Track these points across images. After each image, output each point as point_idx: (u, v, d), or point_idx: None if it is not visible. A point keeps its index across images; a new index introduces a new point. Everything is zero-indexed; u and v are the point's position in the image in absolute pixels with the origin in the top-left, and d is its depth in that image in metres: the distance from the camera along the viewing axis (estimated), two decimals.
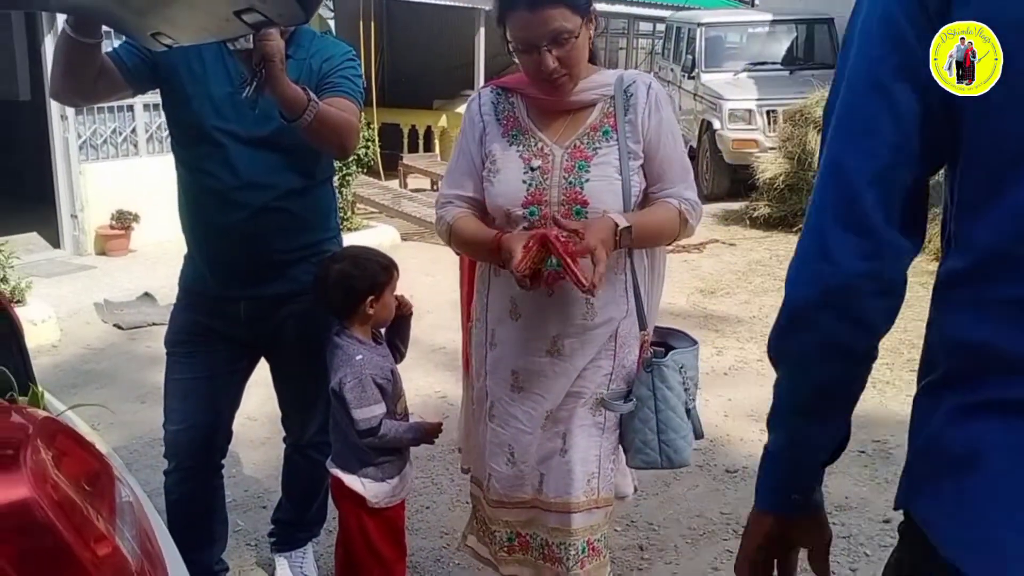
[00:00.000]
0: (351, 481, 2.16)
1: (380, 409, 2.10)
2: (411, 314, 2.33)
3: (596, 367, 1.92)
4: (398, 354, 2.31)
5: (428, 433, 2.20)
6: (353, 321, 2.15)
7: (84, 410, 3.14)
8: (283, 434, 2.53)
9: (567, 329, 1.89)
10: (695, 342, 1.98)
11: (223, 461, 2.38)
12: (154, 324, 5.03)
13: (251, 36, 1.66)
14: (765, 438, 3.72)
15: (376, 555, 2.20)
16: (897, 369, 4.41)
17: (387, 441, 2.13)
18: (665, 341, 1.99)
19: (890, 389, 4.16)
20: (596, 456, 1.95)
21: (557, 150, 1.87)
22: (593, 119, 1.89)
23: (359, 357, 2.11)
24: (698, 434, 1.97)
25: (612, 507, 2.03)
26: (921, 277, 7.23)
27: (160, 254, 6.37)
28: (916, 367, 4.03)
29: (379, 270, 2.16)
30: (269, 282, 2.17)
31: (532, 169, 1.86)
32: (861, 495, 3.16)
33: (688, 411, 1.93)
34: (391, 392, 2.16)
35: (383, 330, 2.27)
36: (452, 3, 9.32)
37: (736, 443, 3.58)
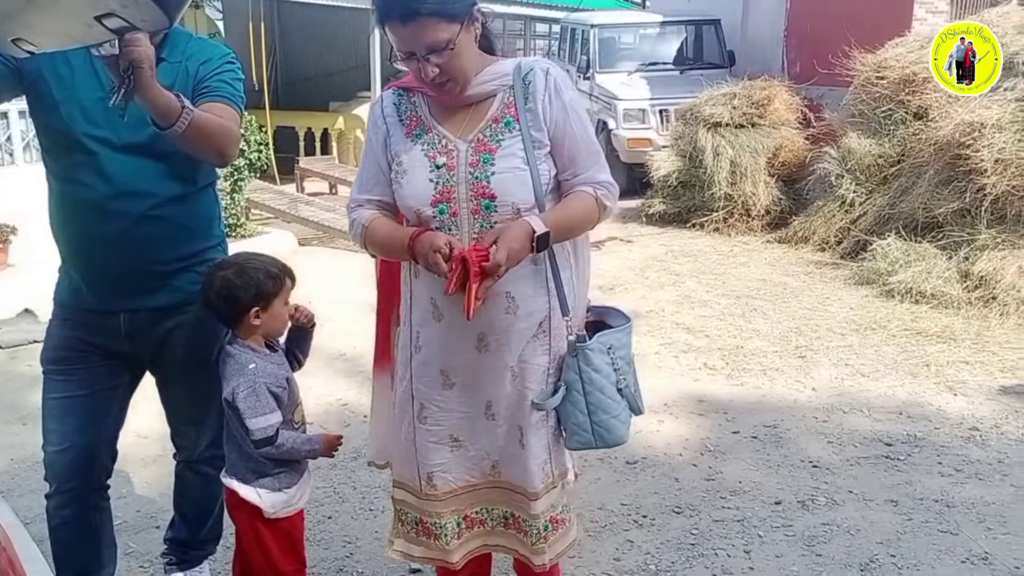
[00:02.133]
0: (246, 492, 2.11)
1: (276, 418, 2.06)
2: (312, 325, 2.27)
3: (535, 366, 1.95)
4: (296, 364, 2.26)
5: (328, 445, 2.17)
6: (240, 331, 2.10)
7: None
8: (174, 451, 2.45)
9: (492, 325, 1.89)
10: (628, 320, 2.03)
11: (108, 481, 2.28)
12: (35, 342, 4.77)
13: (116, 41, 1.59)
14: (663, 429, 3.83)
15: (274, 567, 2.15)
16: (785, 356, 4.60)
17: (284, 452, 2.09)
18: (602, 320, 2.05)
19: (779, 376, 4.33)
20: (546, 445, 1.99)
21: (461, 144, 1.86)
22: (494, 110, 1.88)
23: (252, 366, 2.06)
24: (635, 410, 2.02)
25: (568, 478, 2.07)
26: (807, 267, 7.51)
27: (41, 268, 6.04)
28: (803, 354, 4.25)
29: (264, 279, 2.08)
30: (150, 294, 2.09)
31: (438, 167, 1.85)
32: (753, 479, 3.28)
33: (620, 390, 1.97)
34: (287, 400, 2.12)
35: (281, 339, 2.23)
36: (345, 4, 9.19)
37: (634, 435, 3.66)
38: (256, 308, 2.07)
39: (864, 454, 3.47)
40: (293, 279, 2.17)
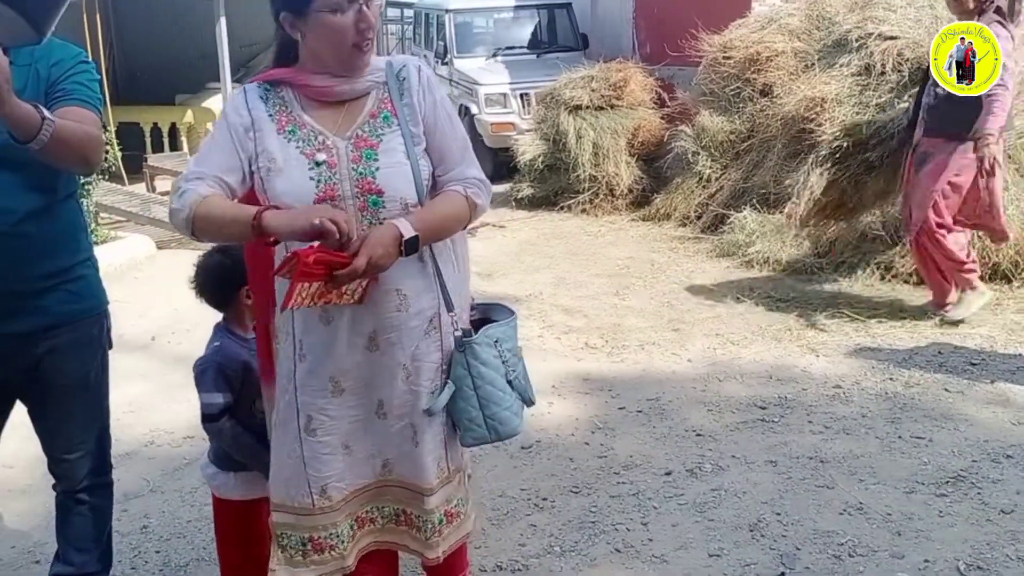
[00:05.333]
0: (203, 465, 2.22)
1: (220, 399, 2.10)
2: None
3: (429, 363, 1.92)
4: None
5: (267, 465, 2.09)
6: (232, 313, 2.22)
7: None
8: (49, 479, 2.28)
9: (383, 323, 1.85)
10: (512, 313, 2.05)
11: None
12: None
13: None
14: (553, 411, 3.87)
15: (220, 552, 2.19)
16: (660, 330, 4.77)
17: (226, 440, 2.12)
18: (487, 316, 2.05)
19: (656, 350, 4.50)
20: (441, 441, 1.98)
21: (340, 142, 1.81)
22: (370, 107, 1.85)
23: (217, 343, 2.19)
24: (527, 401, 2.05)
25: (463, 471, 2.07)
26: (671, 243, 7.76)
27: None
28: (676, 327, 4.40)
29: None
30: (15, 317, 1.94)
31: (317, 164, 1.79)
32: (643, 452, 3.40)
33: (510, 382, 1.98)
34: (243, 387, 2.14)
35: None
36: None
37: (527, 419, 3.70)
38: (246, 287, 2.13)
39: (742, 419, 3.66)
40: None
